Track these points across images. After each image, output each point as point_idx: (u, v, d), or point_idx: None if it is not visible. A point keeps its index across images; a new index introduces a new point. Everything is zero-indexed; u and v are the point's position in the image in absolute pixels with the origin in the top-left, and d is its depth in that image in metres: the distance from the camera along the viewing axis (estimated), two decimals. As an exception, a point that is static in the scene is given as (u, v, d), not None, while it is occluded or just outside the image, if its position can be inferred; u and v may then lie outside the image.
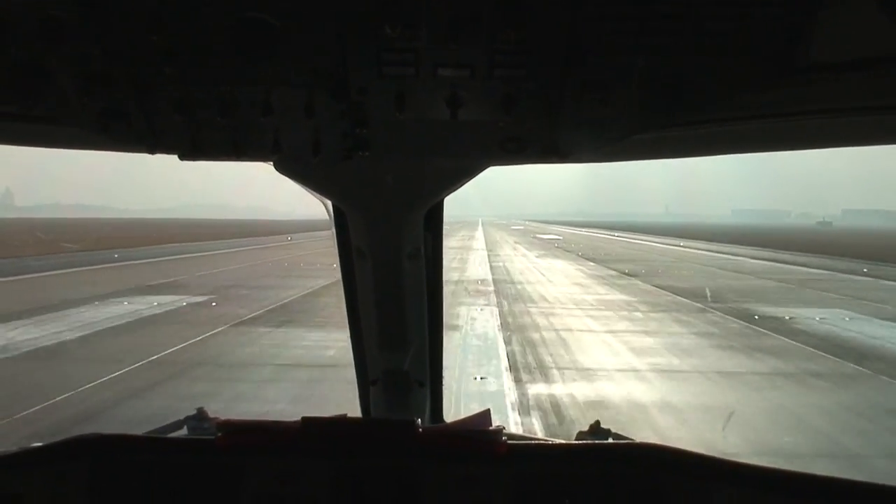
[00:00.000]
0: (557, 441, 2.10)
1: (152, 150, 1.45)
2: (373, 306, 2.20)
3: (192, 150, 1.43)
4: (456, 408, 9.47)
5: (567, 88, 1.24)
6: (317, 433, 1.97)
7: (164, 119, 1.33)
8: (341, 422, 2.08)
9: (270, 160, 1.65)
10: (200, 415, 2.35)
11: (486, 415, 2.11)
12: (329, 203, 2.08)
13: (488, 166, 1.74)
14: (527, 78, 1.22)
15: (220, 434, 1.97)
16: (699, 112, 1.55)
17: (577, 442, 2.12)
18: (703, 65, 1.18)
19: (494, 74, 1.21)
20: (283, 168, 1.74)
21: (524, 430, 8.16)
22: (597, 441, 2.16)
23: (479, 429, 2.01)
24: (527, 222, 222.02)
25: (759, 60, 1.16)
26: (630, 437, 2.20)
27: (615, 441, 2.15)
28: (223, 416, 2.14)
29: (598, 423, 2.28)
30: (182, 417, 2.33)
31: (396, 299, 2.17)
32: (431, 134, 1.41)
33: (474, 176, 1.80)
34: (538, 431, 9.05)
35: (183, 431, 2.28)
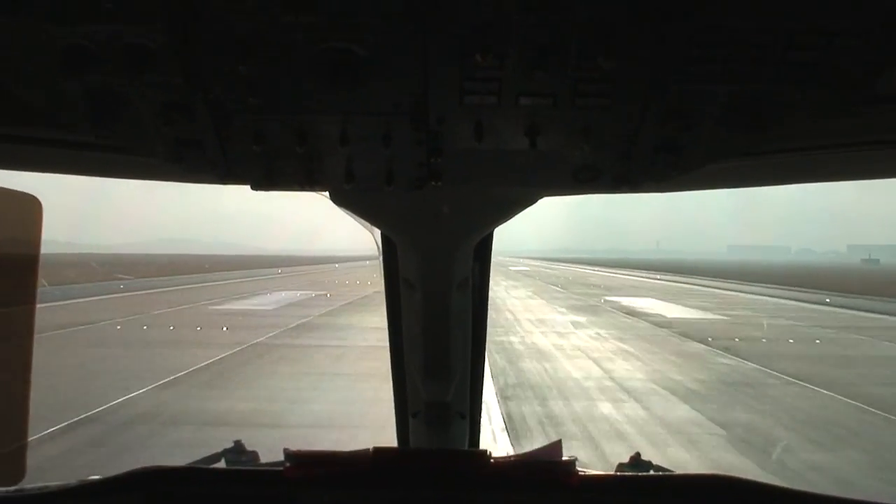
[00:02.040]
0: (628, 474, 2.07)
1: (224, 179, 1.44)
2: (419, 337, 2.18)
3: (264, 179, 1.42)
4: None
5: (648, 117, 1.22)
6: (389, 464, 1.92)
7: (238, 148, 1.31)
8: (413, 452, 2.14)
9: (338, 189, 1.65)
10: (238, 447, 2.28)
11: (557, 446, 2.03)
12: (377, 233, 2.07)
13: (546, 196, 1.75)
14: (609, 107, 1.19)
15: (288, 464, 1.91)
16: (778, 141, 1.52)
17: (648, 474, 2.06)
18: (784, 93, 1.15)
19: (577, 104, 1.17)
20: (338, 199, 1.72)
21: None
22: (671, 473, 2.08)
23: (550, 459, 1.98)
24: (522, 260, 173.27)
25: (842, 89, 1.13)
26: (670, 469, 2.11)
27: (686, 473, 2.04)
28: (292, 448, 1.97)
29: (638, 454, 2.21)
30: (220, 450, 2.27)
31: (443, 330, 2.14)
32: (506, 163, 1.38)
33: (528, 207, 1.77)
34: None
35: (221, 464, 2.22)
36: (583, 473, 1.88)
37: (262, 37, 1.04)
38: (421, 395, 2.30)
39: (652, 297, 44.23)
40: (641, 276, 76.92)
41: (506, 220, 1.84)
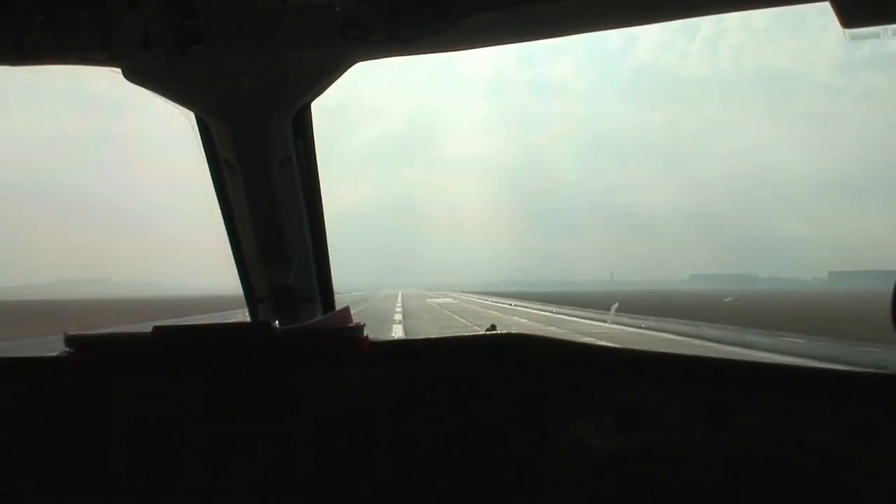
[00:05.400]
0: (420, 337, 2.23)
1: None
2: (248, 221, 2.13)
3: (16, 53, 1.38)
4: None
5: None
6: (169, 341, 1.90)
7: None
8: (194, 328, 2.01)
9: (107, 64, 1.58)
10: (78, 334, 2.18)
11: (345, 312, 2.07)
12: (192, 116, 1.98)
13: (350, 64, 1.72)
14: None
15: (72, 350, 1.87)
16: None
17: (440, 336, 2.08)
18: None
19: None
20: (133, 76, 1.66)
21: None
22: (460, 334, 2.13)
23: (339, 326, 2.00)
24: (475, 297, 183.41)
25: None
26: None
27: (478, 334, 2.07)
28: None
29: (493, 326, 2.22)
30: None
31: (272, 212, 2.10)
32: (265, 23, 1.38)
33: (337, 76, 1.76)
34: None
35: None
36: (372, 339, 1.90)
37: None
38: (263, 280, 2.28)
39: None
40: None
41: (318, 92, 1.80)
